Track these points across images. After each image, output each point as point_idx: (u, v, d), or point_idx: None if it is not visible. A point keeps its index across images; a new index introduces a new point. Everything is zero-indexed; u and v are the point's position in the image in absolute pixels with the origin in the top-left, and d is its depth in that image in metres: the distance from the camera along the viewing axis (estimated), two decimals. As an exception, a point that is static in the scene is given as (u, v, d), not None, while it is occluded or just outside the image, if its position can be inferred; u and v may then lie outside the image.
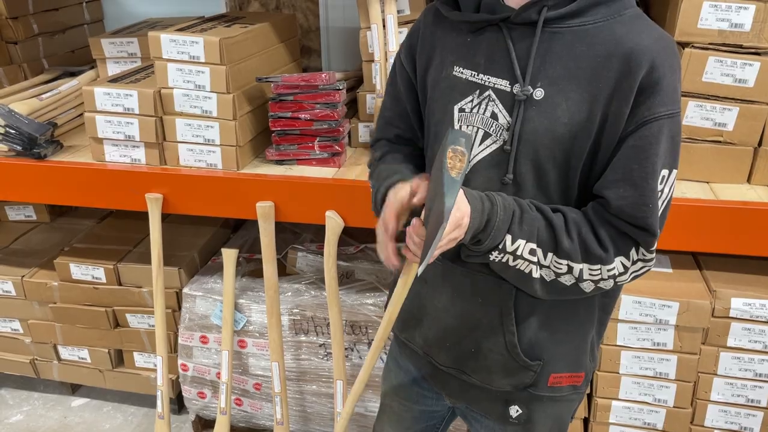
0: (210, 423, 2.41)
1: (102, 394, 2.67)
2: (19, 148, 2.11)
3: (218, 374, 2.29)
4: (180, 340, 2.32)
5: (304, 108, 1.96)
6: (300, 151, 2.02)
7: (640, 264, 1.07)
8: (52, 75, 2.67)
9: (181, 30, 1.98)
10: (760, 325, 1.78)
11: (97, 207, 2.39)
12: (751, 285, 1.82)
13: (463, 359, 1.23)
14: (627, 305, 1.80)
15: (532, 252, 1.05)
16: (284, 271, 2.36)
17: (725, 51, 1.73)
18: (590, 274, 1.05)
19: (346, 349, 2.16)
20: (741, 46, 1.73)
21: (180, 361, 2.35)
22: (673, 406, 1.89)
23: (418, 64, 1.22)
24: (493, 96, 1.08)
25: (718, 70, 1.75)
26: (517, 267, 1.07)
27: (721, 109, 1.78)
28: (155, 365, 2.48)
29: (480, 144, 1.10)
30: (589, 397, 1.96)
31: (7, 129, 2.10)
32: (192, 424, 2.48)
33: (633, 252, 1.05)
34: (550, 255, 1.05)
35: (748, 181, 1.85)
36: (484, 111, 1.09)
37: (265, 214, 1.99)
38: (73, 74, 2.63)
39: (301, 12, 2.91)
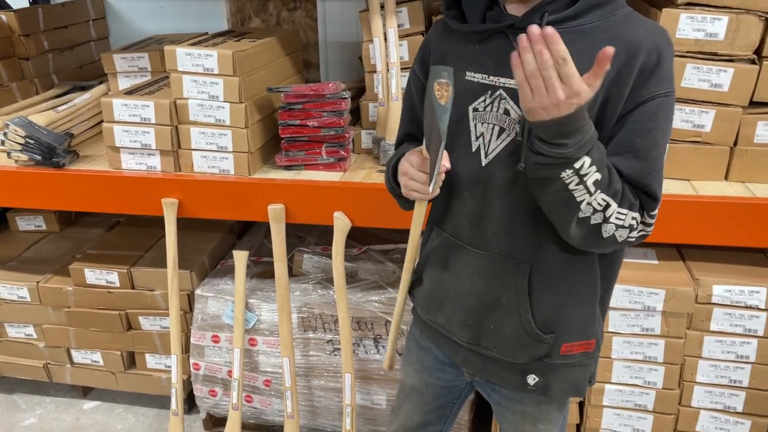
0: (220, 421, 2.51)
1: (113, 397, 2.75)
2: (38, 157, 2.22)
3: (229, 372, 2.40)
4: (192, 340, 2.42)
5: (312, 116, 2.09)
6: (308, 157, 2.15)
7: (642, 227, 1.18)
8: (62, 90, 2.79)
9: (194, 44, 2.11)
10: (740, 310, 1.92)
11: (114, 213, 2.49)
12: (731, 273, 1.97)
13: (483, 336, 1.35)
14: (617, 294, 1.93)
15: (596, 183, 1.09)
16: (291, 272, 2.47)
17: (702, 58, 1.88)
18: (617, 217, 1.13)
19: (353, 344, 2.27)
20: (716, 54, 1.88)
21: (192, 361, 2.45)
22: (662, 388, 2.02)
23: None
24: (504, 95, 1.20)
25: (695, 76, 1.90)
26: (574, 194, 1.10)
27: (699, 111, 1.93)
28: (167, 366, 2.58)
29: (497, 138, 1.23)
30: (584, 381, 2.09)
31: (27, 140, 2.21)
32: (203, 422, 2.57)
33: (639, 213, 1.16)
34: (599, 191, 1.10)
35: (726, 178, 2.00)
36: (497, 109, 1.21)
37: (276, 215, 2.11)
38: (83, 88, 2.74)
39: (301, 28, 3.06)
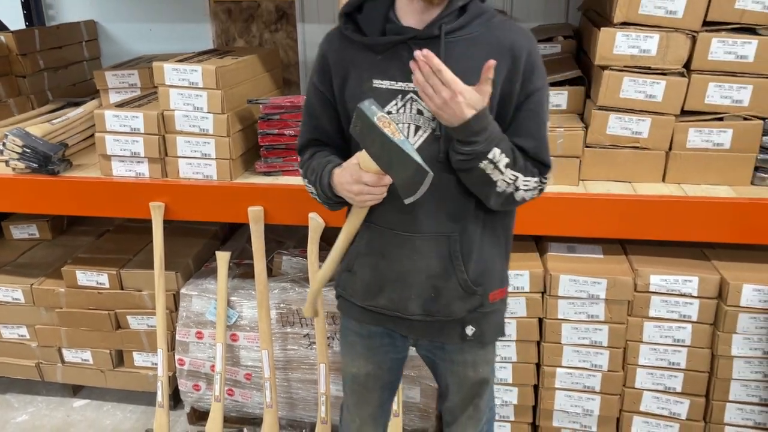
0: (204, 414, 2.66)
1: (102, 395, 2.89)
2: (35, 165, 2.40)
3: (212, 367, 2.56)
4: (177, 337, 2.58)
5: (288, 125, 2.29)
6: (285, 163, 2.34)
7: (541, 185, 1.50)
8: (56, 105, 2.97)
9: (181, 61, 2.31)
10: (675, 298, 2.12)
11: (106, 216, 2.67)
12: (667, 264, 2.17)
13: (427, 304, 1.55)
14: (565, 283, 2.13)
15: (506, 165, 1.39)
16: (271, 273, 2.65)
17: (637, 72, 2.10)
18: (524, 185, 1.44)
19: (328, 338, 2.44)
20: (649, 68, 2.10)
21: (177, 357, 2.61)
22: (608, 370, 2.21)
23: (335, 83, 1.49)
24: (415, 97, 1.41)
25: (632, 88, 2.12)
26: (492, 177, 1.39)
27: (636, 120, 2.14)
28: (153, 364, 2.74)
29: (414, 135, 1.43)
30: (537, 366, 2.27)
31: (24, 149, 2.39)
32: (187, 416, 2.72)
33: (539, 177, 1.47)
34: (509, 169, 1.40)
35: (663, 180, 2.21)
36: (410, 110, 1.42)
37: (255, 217, 2.29)
38: (76, 104, 2.93)
39: (282, 48, 3.27)
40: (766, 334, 2.09)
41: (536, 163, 1.46)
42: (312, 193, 1.59)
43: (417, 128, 1.44)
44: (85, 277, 2.64)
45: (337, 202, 1.54)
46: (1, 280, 2.75)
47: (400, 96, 1.43)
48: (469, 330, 1.58)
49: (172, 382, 2.69)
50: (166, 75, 2.26)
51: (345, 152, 1.55)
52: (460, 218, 1.49)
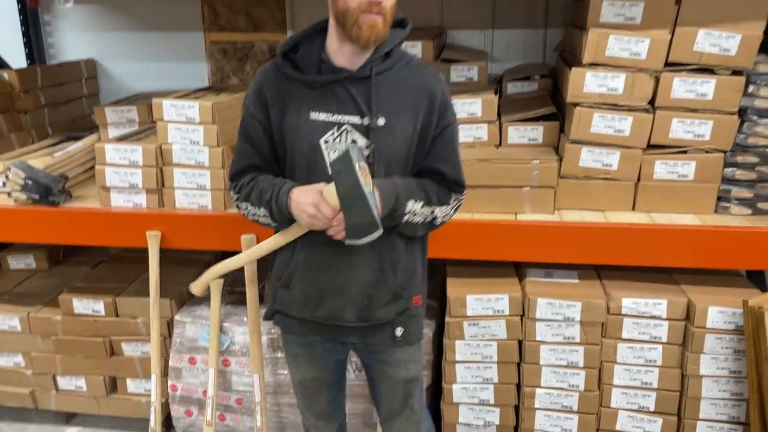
0: (195, 440, 2.72)
1: (94, 422, 2.94)
2: (36, 197, 2.50)
3: (204, 392, 2.63)
4: (171, 363, 2.66)
5: (280, 158, 2.41)
6: (276, 194, 2.46)
7: (457, 204, 1.78)
8: (56, 140, 3.09)
9: (179, 97, 2.45)
10: (646, 320, 2.23)
11: (104, 245, 2.77)
12: (638, 288, 2.29)
13: (361, 311, 1.75)
14: (542, 306, 2.24)
15: (422, 207, 1.69)
16: (262, 300, 2.74)
17: (606, 108, 2.26)
18: (441, 213, 1.74)
19: (316, 362, 2.53)
20: (617, 105, 2.26)
21: (170, 382, 2.68)
22: (584, 390, 2.31)
23: (272, 114, 1.68)
24: (350, 128, 1.64)
25: (602, 123, 2.28)
26: (413, 220, 1.69)
27: (606, 153, 2.29)
28: (146, 390, 2.80)
29: None
30: (518, 386, 2.37)
31: (26, 180, 2.50)
32: (179, 442, 2.78)
33: (455, 197, 1.76)
34: (426, 207, 1.69)
35: (633, 209, 2.35)
36: (346, 139, 1.64)
37: (248, 244, 2.40)
38: (75, 138, 3.05)
39: (273, 85, 3.42)
40: (732, 354, 2.20)
41: (452, 184, 1.74)
42: (252, 213, 1.76)
43: None
44: (82, 304, 2.72)
45: (282, 221, 1.70)
46: (-2, 308, 2.83)
47: (336, 127, 1.64)
48: (398, 331, 1.81)
49: (165, 408, 2.75)
50: (165, 111, 2.39)
51: (280, 176, 1.78)
52: (389, 234, 1.69)
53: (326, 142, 1.64)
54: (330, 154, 1.64)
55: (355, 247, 1.65)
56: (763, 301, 2.06)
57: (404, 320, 1.81)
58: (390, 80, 1.64)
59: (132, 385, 2.83)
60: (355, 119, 1.63)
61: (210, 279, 2.02)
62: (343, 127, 1.63)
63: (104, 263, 3.15)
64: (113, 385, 2.86)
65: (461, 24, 3.20)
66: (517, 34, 3.20)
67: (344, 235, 1.59)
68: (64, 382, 2.85)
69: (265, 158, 1.75)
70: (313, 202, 1.57)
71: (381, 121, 1.62)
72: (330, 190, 1.56)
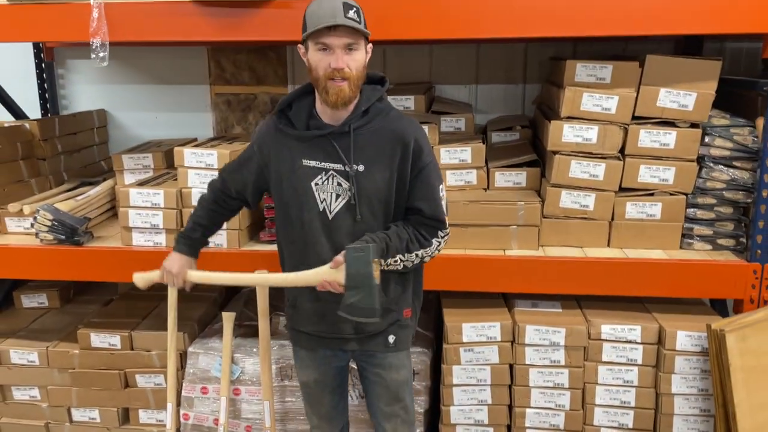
0: (205, 467, 2.87)
1: (105, 454, 3.08)
2: (63, 237, 2.70)
3: (215, 420, 2.80)
4: (183, 393, 2.83)
5: (290, 201, 2.65)
6: (286, 233, 2.69)
7: (441, 241, 2.00)
8: (72, 185, 3.30)
9: (197, 146, 2.69)
10: (623, 344, 2.49)
11: (126, 281, 2.94)
12: (615, 316, 2.56)
13: (358, 325, 2.02)
14: (530, 333, 2.49)
15: (402, 255, 1.94)
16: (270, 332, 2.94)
17: (581, 156, 2.55)
18: (424, 252, 1.98)
19: (322, 389, 2.72)
20: (591, 153, 2.55)
21: (182, 411, 2.84)
22: (570, 409, 2.54)
23: (272, 158, 2.00)
24: (335, 173, 1.93)
25: (578, 169, 2.56)
26: (400, 266, 1.96)
27: (583, 195, 2.58)
28: (158, 420, 2.96)
29: (336, 200, 1.95)
30: (510, 407, 2.59)
31: (54, 222, 2.70)
32: (189, 470, 2.92)
33: (438, 234, 1.98)
34: (407, 254, 1.95)
35: (608, 245, 2.62)
36: (332, 183, 1.94)
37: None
38: (90, 183, 3.26)
39: (275, 134, 3.68)
40: (700, 374, 2.46)
41: (430, 219, 1.97)
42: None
43: (337, 196, 1.95)
44: (99, 338, 2.89)
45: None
46: (17, 343, 2.99)
47: (323, 172, 1.95)
48: (391, 338, 2.10)
49: (176, 437, 2.91)
50: (186, 158, 2.64)
51: (236, 211, 2.25)
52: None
53: (316, 184, 1.95)
54: (320, 194, 1.95)
55: None
56: (724, 325, 2.32)
57: (396, 330, 2.10)
58: (368, 133, 1.92)
59: (144, 415, 2.98)
60: (339, 166, 1.93)
61: (154, 279, 2.29)
62: (330, 172, 1.93)
63: (115, 300, 3.33)
64: (126, 416, 3.01)
65: (448, 79, 3.52)
66: (499, 88, 3.52)
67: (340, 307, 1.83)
68: (78, 414, 2.99)
69: (243, 185, 2.11)
70: (320, 280, 1.88)
71: (360, 168, 1.91)
72: (338, 274, 1.82)
